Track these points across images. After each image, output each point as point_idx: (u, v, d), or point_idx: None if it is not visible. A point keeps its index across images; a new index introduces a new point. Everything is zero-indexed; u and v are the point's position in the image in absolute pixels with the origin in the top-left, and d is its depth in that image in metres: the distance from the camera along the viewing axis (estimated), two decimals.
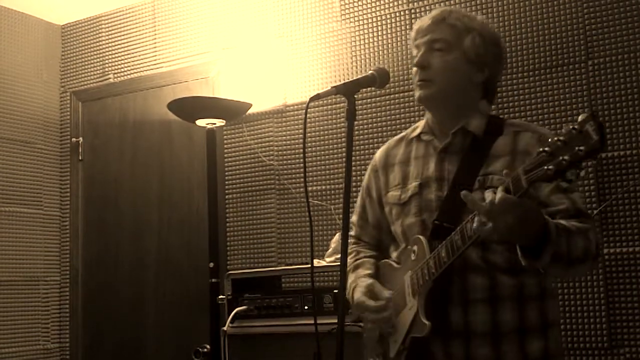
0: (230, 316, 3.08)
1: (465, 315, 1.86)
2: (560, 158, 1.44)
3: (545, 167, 1.47)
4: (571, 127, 1.45)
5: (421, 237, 1.92)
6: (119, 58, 4.41)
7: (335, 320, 1.74)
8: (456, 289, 1.87)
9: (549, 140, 1.48)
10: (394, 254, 2.09)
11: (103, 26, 4.49)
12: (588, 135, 1.42)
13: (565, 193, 1.84)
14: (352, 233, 2.27)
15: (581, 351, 2.95)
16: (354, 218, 2.26)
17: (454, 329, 1.86)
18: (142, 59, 4.32)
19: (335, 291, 2.80)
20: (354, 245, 2.24)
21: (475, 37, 1.97)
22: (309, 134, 3.67)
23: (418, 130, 2.09)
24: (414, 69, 2.01)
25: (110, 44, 4.45)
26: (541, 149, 1.49)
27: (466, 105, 1.98)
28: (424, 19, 2.02)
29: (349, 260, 2.18)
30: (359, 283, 2.06)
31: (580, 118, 1.44)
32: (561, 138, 1.45)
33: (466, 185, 1.85)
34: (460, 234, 1.75)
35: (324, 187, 3.61)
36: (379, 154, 2.19)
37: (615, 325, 2.92)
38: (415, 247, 1.93)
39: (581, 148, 1.42)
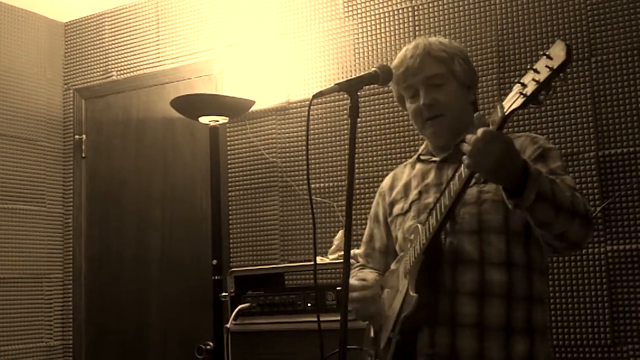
0: (234, 313, 3.09)
1: (452, 306, 1.87)
2: (532, 79, 1.52)
3: (520, 93, 1.55)
4: (542, 53, 1.52)
5: (418, 224, 1.94)
6: (122, 55, 4.41)
7: (338, 318, 1.74)
8: (446, 280, 1.87)
9: (526, 74, 1.56)
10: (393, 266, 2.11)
11: (106, 24, 4.49)
12: (557, 55, 1.49)
13: (556, 175, 1.86)
14: (358, 263, 2.29)
15: (584, 348, 2.95)
16: (360, 250, 2.30)
17: (440, 319, 1.87)
18: (145, 57, 4.32)
19: (339, 288, 2.80)
20: (359, 267, 2.27)
21: (460, 62, 2.05)
22: (311, 131, 3.67)
23: (419, 153, 2.17)
24: (412, 107, 2.07)
25: (113, 42, 4.45)
26: (517, 82, 1.57)
27: (466, 123, 2.02)
28: (405, 58, 2.07)
29: (353, 271, 2.22)
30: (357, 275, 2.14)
31: (552, 46, 1.51)
32: (534, 67, 1.53)
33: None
34: (447, 192, 1.80)
35: (326, 184, 3.61)
36: (385, 180, 2.24)
37: (618, 323, 2.92)
38: (412, 236, 1.96)
39: (549, 65, 1.49)
